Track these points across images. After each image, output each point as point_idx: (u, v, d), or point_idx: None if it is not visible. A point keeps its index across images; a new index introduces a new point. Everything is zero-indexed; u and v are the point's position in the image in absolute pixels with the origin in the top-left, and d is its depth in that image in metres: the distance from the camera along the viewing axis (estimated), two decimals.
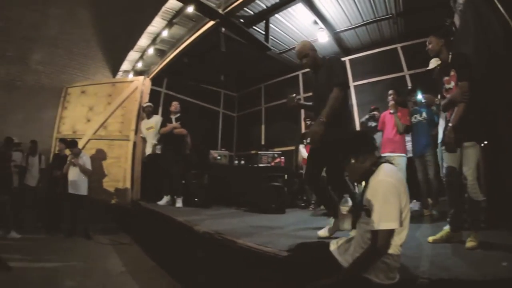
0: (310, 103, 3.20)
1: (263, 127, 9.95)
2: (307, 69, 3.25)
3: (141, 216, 5.67)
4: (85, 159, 5.93)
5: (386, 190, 1.64)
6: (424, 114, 4.39)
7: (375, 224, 1.61)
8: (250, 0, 5.39)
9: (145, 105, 6.52)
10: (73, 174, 5.74)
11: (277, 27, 6.76)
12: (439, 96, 3.00)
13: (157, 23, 6.14)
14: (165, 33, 6.31)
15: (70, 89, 7.61)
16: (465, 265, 2.01)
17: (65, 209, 5.85)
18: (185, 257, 3.60)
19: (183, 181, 5.90)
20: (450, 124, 2.59)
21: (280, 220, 4.38)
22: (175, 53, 6.74)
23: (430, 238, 2.70)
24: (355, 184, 2.92)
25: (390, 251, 1.63)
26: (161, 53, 7.10)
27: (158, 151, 6.15)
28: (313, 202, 5.81)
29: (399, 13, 6.08)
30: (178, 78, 8.91)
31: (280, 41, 7.39)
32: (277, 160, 6.82)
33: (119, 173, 6.45)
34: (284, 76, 9.29)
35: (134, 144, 6.49)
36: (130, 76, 7.85)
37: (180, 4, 5.52)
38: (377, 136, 4.85)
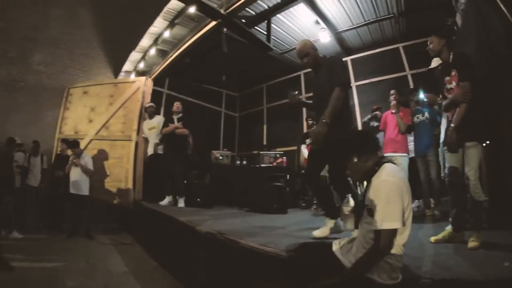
0: (311, 102, 3.21)
1: (265, 127, 9.95)
2: (309, 70, 3.24)
3: (143, 216, 5.68)
4: (87, 160, 5.94)
5: (389, 190, 1.63)
6: (426, 114, 4.37)
7: (378, 224, 1.61)
8: (252, 0, 5.38)
9: (147, 105, 6.54)
10: (75, 174, 5.75)
11: (279, 27, 6.76)
12: (440, 96, 3.00)
13: (159, 24, 6.14)
14: (167, 34, 6.31)
15: (72, 89, 7.63)
16: (467, 265, 2.01)
17: (67, 209, 5.87)
18: (187, 257, 3.61)
19: (185, 181, 5.91)
20: (452, 125, 2.59)
21: (282, 220, 4.38)
22: (177, 53, 6.73)
23: (432, 238, 2.70)
24: (357, 184, 2.91)
25: (393, 251, 1.62)
26: (163, 54, 7.11)
27: (160, 151, 6.17)
28: (315, 202, 5.80)
29: (401, 13, 6.07)
30: (180, 78, 8.91)
31: (281, 41, 7.38)
32: (279, 160, 6.83)
33: (121, 173, 6.46)
34: (286, 76, 9.27)
35: (136, 144, 6.50)
36: (132, 76, 7.86)
37: (182, 5, 5.51)
38: (379, 136, 4.83)
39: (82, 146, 6.38)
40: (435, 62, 3.65)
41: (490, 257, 2.17)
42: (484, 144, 2.74)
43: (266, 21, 6.37)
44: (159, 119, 6.39)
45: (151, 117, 6.46)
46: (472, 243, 2.40)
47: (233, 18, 5.77)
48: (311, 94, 3.37)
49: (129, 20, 7.20)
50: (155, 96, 7.42)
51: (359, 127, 6.53)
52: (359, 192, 2.77)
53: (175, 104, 6.18)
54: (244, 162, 8.01)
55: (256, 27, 6.55)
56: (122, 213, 6.58)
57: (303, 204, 6.30)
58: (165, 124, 6.02)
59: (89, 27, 8.00)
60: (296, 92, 3.19)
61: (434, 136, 4.05)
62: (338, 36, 7.04)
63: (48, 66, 7.48)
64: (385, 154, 4.35)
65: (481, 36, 3.12)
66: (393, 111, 4.58)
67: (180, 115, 6.05)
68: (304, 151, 6.14)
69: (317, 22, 6.45)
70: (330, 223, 2.86)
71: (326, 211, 3.00)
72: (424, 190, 4.37)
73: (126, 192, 6.30)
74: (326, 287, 1.67)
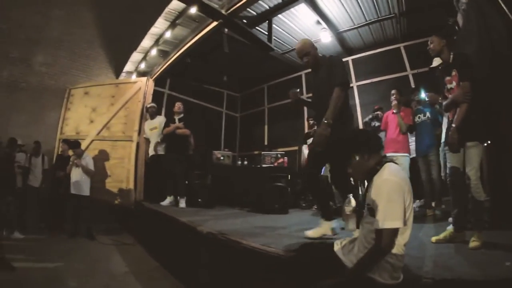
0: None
1: (266, 127, 9.93)
2: (310, 70, 3.24)
3: (144, 216, 5.68)
4: (88, 160, 5.95)
5: (391, 189, 1.63)
6: (428, 114, 4.37)
7: (379, 223, 1.60)
8: (253, 0, 5.37)
9: (148, 105, 6.56)
10: (76, 174, 5.76)
11: (280, 28, 6.76)
12: (441, 96, 2.99)
13: (160, 24, 6.14)
14: (168, 34, 6.31)
15: (73, 90, 7.65)
16: (468, 265, 2.00)
17: (68, 210, 5.88)
18: (189, 258, 3.61)
19: (186, 182, 5.91)
20: (453, 125, 2.59)
21: (283, 220, 4.39)
22: (178, 54, 6.74)
23: (434, 238, 2.70)
24: (359, 184, 2.91)
25: (394, 250, 1.62)
26: (164, 54, 7.11)
27: (161, 152, 6.18)
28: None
29: (402, 13, 6.05)
30: (181, 78, 8.91)
31: (283, 41, 7.38)
32: (280, 160, 6.82)
33: (123, 174, 6.47)
34: (287, 77, 9.25)
35: (137, 144, 6.51)
36: (133, 77, 7.87)
37: (183, 5, 5.51)
38: (381, 136, 4.83)
39: (83, 146, 6.40)
40: (437, 61, 3.65)
41: (491, 257, 2.16)
42: (485, 144, 2.74)
43: (267, 21, 6.36)
44: (160, 120, 6.39)
45: (152, 117, 6.47)
46: (473, 243, 2.39)
47: (234, 19, 5.76)
48: (311, 95, 3.37)
49: (130, 20, 7.23)
50: (156, 96, 7.41)
51: (360, 127, 6.51)
52: (361, 192, 2.77)
53: (176, 105, 6.19)
54: (245, 162, 8.01)
55: (257, 28, 6.55)
56: (123, 213, 6.59)
57: (304, 204, 6.29)
58: (167, 125, 6.03)
59: (91, 28, 8.04)
60: (298, 90, 3.19)
61: (436, 136, 4.04)
62: (339, 36, 7.04)
63: (50, 67, 7.51)
64: (386, 154, 4.35)
65: (483, 36, 3.11)
66: (394, 111, 4.58)
67: (181, 115, 6.06)
68: (305, 151, 6.14)
69: (318, 22, 6.44)
70: (324, 224, 2.84)
71: (322, 212, 2.99)
72: (425, 190, 4.37)
73: (127, 193, 6.30)
74: (328, 287, 1.66)
